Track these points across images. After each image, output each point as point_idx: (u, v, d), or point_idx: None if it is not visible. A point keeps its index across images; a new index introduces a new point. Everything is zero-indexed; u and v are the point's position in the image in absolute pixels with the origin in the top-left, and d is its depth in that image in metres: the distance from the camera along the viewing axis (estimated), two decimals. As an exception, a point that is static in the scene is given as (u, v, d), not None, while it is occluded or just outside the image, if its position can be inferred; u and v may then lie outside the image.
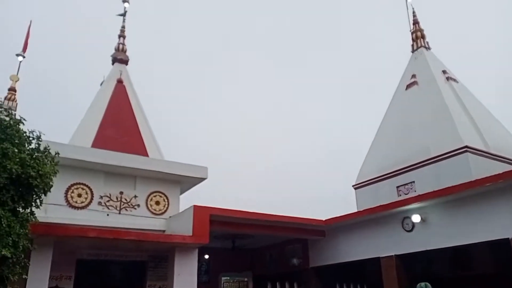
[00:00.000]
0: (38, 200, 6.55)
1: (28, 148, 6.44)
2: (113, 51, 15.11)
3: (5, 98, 11.75)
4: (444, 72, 15.44)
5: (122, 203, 10.94)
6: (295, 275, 13.76)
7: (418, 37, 16.52)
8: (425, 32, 16.72)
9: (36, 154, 6.47)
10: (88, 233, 8.76)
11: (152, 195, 11.48)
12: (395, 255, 11.10)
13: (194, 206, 10.13)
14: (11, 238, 5.57)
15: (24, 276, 6.64)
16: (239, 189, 33.90)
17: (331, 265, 12.99)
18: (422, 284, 9.56)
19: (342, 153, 39.88)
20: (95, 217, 10.29)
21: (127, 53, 15.23)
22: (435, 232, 10.32)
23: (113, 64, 14.91)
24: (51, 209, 9.53)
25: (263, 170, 41.81)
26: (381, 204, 11.55)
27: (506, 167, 10.84)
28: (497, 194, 9.23)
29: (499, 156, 12.52)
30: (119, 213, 10.82)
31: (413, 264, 11.41)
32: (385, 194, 13.53)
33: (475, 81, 20.85)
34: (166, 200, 11.66)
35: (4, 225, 5.42)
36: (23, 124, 6.37)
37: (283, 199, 32.19)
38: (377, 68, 45.73)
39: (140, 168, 11.17)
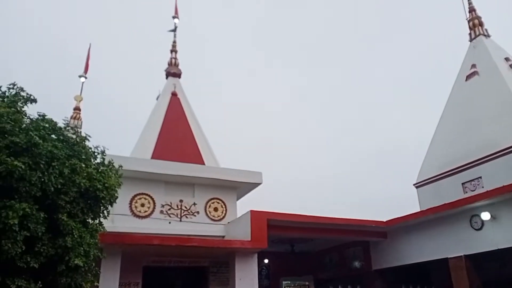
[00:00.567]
0: (105, 211, 6.96)
1: (94, 162, 6.87)
2: (167, 65, 15.74)
3: (71, 117, 12.62)
4: (507, 59, 14.44)
5: (182, 211, 11.33)
6: (357, 278, 13.43)
7: (475, 25, 15.61)
8: (482, 19, 15.76)
9: (101, 168, 6.89)
10: (153, 240, 9.15)
11: (210, 202, 11.79)
12: (464, 255, 10.48)
13: (251, 211, 10.25)
14: (82, 248, 5.95)
15: (96, 284, 7.10)
16: (291, 195, 33.77)
17: (395, 267, 12.53)
18: None
19: (392, 152, 38.58)
20: (158, 225, 10.73)
21: (179, 67, 15.81)
22: (507, 230, 9.62)
23: (167, 78, 15.54)
24: (118, 219, 10.06)
25: (310, 172, 41.33)
26: (446, 202, 10.97)
27: None
28: None
29: None
30: (180, 220, 11.20)
31: (484, 264, 10.70)
32: (450, 191, 12.86)
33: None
34: (223, 206, 11.91)
35: (76, 236, 5.80)
36: (88, 140, 6.80)
37: (338, 203, 31.64)
38: (430, 61, 43.71)
39: (197, 176, 11.54)
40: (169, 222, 10.99)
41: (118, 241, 8.56)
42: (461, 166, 12.98)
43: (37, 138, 5.45)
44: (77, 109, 13.14)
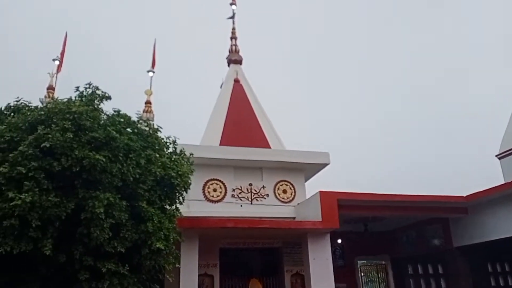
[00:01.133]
0: (180, 197, 7.36)
1: (167, 152, 7.27)
2: (227, 53, 15.98)
3: (143, 111, 13.33)
4: None
5: (252, 194, 11.60)
6: (436, 256, 12.86)
7: None
8: None
9: (174, 157, 7.27)
10: (226, 223, 9.49)
11: (278, 184, 11.92)
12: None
13: (320, 192, 10.19)
14: (162, 233, 6.36)
15: (177, 265, 7.55)
16: (362, 173, 32.96)
17: (479, 244, 11.77)
18: None
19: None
20: (230, 208, 11.10)
21: (240, 53, 15.96)
22: None
23: (228, 65, 15.79)
24: (193, 204, 10.54)
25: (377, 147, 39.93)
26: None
27: None
28: None
29: None
30: (251, 203, 11.48)
31: None
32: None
33: None
34: (292, 188, 11.97)
35: (156, 221, 6.21)
36: (160, 132, 7.18)
37: (407, 179, 30.31)
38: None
39: (265, 160, 11.70)
40: (241, 206, 11.32)
41: (194, 225, 8.99)
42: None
43: (114, 132, 5.86)
44: (148, 103, 13.84)
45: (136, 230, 6.02)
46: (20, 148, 5.32)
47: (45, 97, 12.45)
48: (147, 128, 6.95)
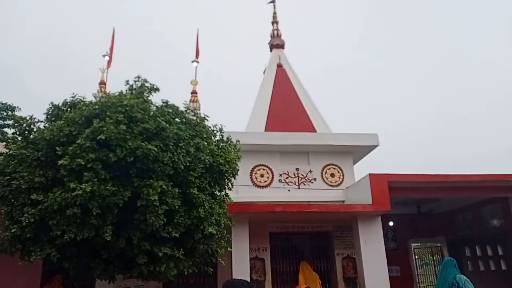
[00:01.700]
0: (229, 183, 7.51)
1: (214, 140, 7.42)
2: (269, 38, 15.89)
3: (190, 101, 13.62)
4: None
5: (299, 179, 11.59)
6: (496, 237, 12.27)
7: None
8: None
9: (221, 144, 7.42)
10: (275, 208, 9.57)
11: (326, 168, 11.81)
12: None
13: (370, 174, 9.99)
14: (214, 218, 6.56)
15: (229, 249, 7.77)
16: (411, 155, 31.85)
17: (544, 225, 11.10)
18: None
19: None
20: (278, 193, 11.17)
21: (282, 38, 15.81)
22: None
23: (271, 50, 15.71)
24: (241, 190, 10.73)
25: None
26: None
27: None
28: None
29: None
30: (299, 188, 11.49)
31: None
32: None
33: None
34: (340, 172, 11.83)
35: (207, 207, 6.40)
36: (207, 120, 7.33)
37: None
38: None
39: (311, 144, 11.62)
40: (288, 190, 11.36)
41: (243, 210, 9.16)
42: None
43: (164, 123, 6.06)
44: (194, 92, 14.11)
45: (189, 216, 6.23)
46: (78, 141, 5.63)
47: (98, 91, 13.05)
48: (194, 118, 7.11)
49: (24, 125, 6.53)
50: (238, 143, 7.75)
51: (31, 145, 6.22)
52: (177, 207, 6.03)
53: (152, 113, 6.31)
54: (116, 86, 6.92)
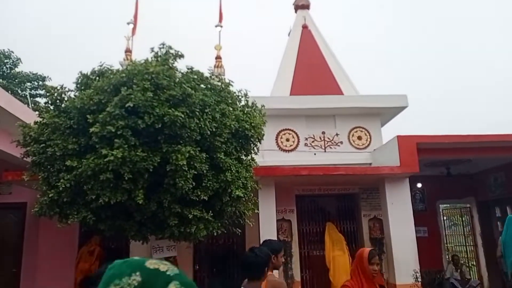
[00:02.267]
0: (255, 148, 7.61)
1: (239, 105, 7.46)
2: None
3: (214, 66, 13.57)
4: None
5: (326, 142, 11.57)
6: (530, 199, 12.01)
7: None
8: None
9: (246, 109, 7.44)
10: (301, 171, 9.67)
11: (353, 131, 11.71)
12: None
13: (398, 136, 9.86)
14: (241, 181, 6.71)
15: (256, 211, 7.98)
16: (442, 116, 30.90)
17: None
18: None
19: None
20: (304, 157, 11.23)
21: (307, -3, 15.31)
22: None
23: (295, 12, 15.29)
24: (267, 154, 10.84)
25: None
26: None
27: None
28: None
29: None
30: (325, 151, 11.49)
31: None
32: None
33: None
34: (367, 134, 11.71)
35: (234, 171, 6.55)
36: (232, 86, 7.34)
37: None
38: None
39: (337, 107, 11.49)
40: (314, 154, 11.39)
41: (270, 174, 9.30)
42: None
43: (189, 89, 6.11)
44: (218, 57, 14.02)
45: (217, 179, 6.40)
46: (108, 109, 5.79)
47: (124, 59, 13.18)
48: (219, 83, 7.13)
49: (56, 94, 6.74)
50: (263, 108, 7.76)
51: (63, 114, 6.45)
52: (205, 171, 6.19)
53: (177, 79, 6.36)
54: (142, 54, 6.98)
